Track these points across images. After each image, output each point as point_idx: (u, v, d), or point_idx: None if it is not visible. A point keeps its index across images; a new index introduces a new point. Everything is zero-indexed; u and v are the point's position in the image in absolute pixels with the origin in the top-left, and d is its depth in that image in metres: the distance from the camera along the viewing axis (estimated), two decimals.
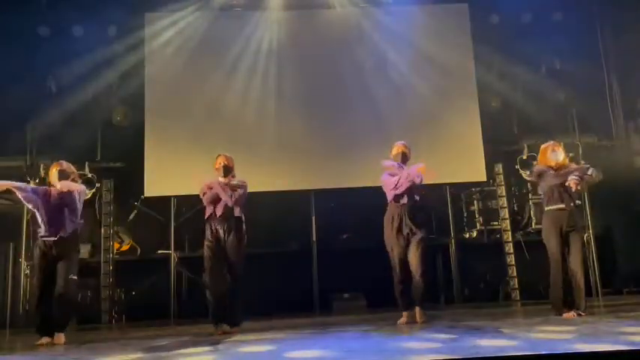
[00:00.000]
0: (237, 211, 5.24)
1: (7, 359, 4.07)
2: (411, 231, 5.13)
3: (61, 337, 4.79)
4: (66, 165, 5.23)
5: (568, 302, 4.83)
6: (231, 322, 5.08)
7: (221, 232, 5.17)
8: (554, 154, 5.12)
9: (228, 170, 5.35)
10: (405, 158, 5.36)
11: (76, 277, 4.97)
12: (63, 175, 5.12)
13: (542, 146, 5.27)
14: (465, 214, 8.96)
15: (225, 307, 5.10)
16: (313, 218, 8.42)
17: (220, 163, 5.35)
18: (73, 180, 5.22)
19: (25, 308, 7.73)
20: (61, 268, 4.87)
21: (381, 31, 8.69)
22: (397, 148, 5.42)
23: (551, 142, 5.28)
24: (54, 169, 5.17)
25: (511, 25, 8.90)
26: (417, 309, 5.09)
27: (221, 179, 5.35)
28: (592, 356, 2.63)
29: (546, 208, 5.08)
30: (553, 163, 5.08)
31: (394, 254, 5.18)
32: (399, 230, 5.15)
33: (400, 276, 5.17)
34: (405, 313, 5.14)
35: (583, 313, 4.76)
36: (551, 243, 4.97)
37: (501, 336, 3.60)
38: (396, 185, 5.17)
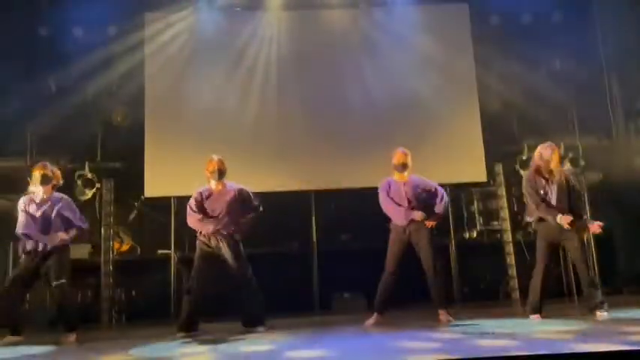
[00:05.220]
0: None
1: (8, 358, 4.07)
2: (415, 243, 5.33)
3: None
4: (50, 168, 5.02)
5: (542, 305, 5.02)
6: (255, 323, 5.14)
7: (215, 239, 5.19)
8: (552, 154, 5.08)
9: (221, 174, 5.31)
10: (405, 167, 5.36)
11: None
12: (46, 180, 4.95)
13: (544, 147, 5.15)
14: (465, 214, 8.96)
15: (195, 316, 5.11)
16: (313, 218, 8.42)
17: (214, 167, 5.28)
18: (54, 185, 5.03)
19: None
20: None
21: (381, 31, 8.68)
22: (398, 157, 5.37)
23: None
24: (37, 172, 4.95)
25: (511, 26, 8.88)
26: (441, 311, 5.21)
27: (213, 183, 5.32)
28: (592, 356, 2.63)
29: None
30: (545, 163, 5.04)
31: (390, 263, 5.41)
32: (402, 248, 5.35)
33: (387, 277, 5.41)
34: (376, 315, 5.31)
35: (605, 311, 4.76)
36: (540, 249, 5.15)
37: (501, 336, 3.60)
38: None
